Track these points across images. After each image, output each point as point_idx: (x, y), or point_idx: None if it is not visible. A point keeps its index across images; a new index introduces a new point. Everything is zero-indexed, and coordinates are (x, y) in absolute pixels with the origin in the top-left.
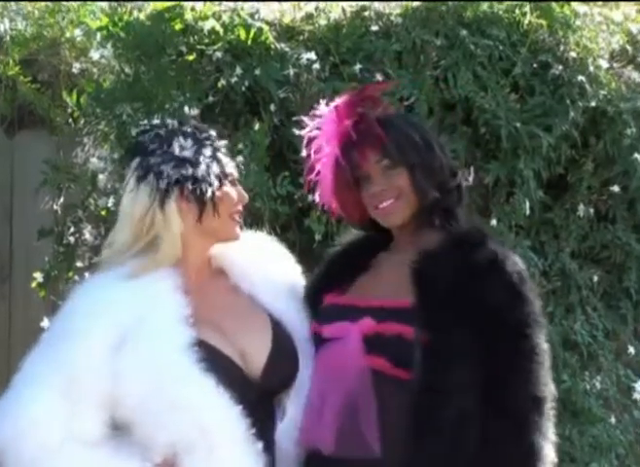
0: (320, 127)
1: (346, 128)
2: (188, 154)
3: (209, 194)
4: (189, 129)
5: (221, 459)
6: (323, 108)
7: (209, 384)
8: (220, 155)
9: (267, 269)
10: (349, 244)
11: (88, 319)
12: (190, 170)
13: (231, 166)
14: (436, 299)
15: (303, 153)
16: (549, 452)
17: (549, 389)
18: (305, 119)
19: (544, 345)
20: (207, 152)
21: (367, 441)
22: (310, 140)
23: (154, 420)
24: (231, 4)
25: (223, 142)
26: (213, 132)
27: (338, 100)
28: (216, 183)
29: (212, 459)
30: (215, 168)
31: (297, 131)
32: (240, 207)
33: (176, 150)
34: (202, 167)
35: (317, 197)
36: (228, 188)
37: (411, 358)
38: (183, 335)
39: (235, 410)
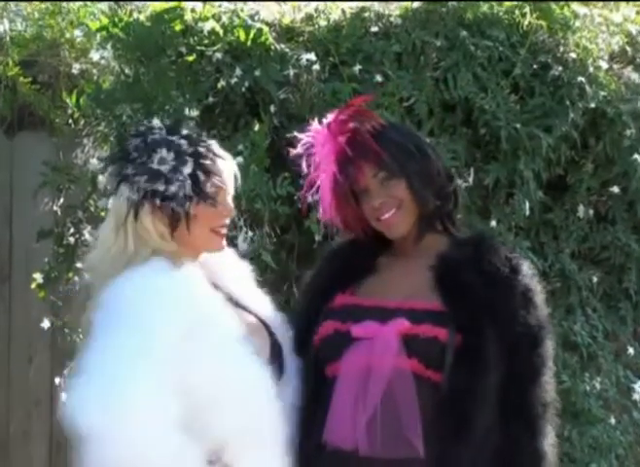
0: (314, 145)
1: (341, 145)
2: (165, 168)
3: (178, 212)
4: (177, 140)
5: (268, 455)
6: (315, 126)
7: (267, 376)
8: (200, 173)
9: (235, 268)
10: (348, 245)
11: (160, 310)
12: (162, 186)
13: (214, 183)
14: (464, 303)
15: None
16: (551, 457)
17: (552, 394)
18: (308, 124)
19: (551, 350)
20: (186, 169)
21: (410, 441)
22: (307, 157)
23: (217, 410)
24: (231, 5)
25: (212, 155)
26: (204, 145)
27: (329, 118)
28: (186, 203)
29: (260, 454)
30: (189, 188)
31: (291, 150)
32: (225, 221)
33: (155, 162)
34: (174, 186)
35: (320, 214)
36: (205, 206)
37: (443, 360)
38: (237, 325)
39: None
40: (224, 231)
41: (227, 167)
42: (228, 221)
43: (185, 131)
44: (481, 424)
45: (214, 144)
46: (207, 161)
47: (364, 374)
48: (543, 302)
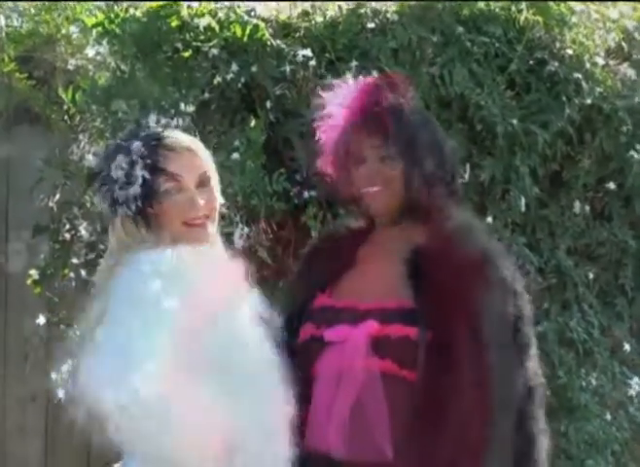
0: (339, 95)
1: (360, 107)
2: (120, 174)
3: (137, 215)
4: (131, 144)
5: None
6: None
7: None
8: (146, 172)
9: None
10: (328, 239)
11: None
12: (119, 192)
13: (166, 179)
14: (434, 298)
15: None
16: (544, 440)
17: (539, 377)
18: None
19: (533, 337)
20: (136, 171)
21: (378, 444)
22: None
23: None
24: (227, 2)
25: (164, 151)
26: (154, 143)
27: (366, 79)
28: (141, 204)
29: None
30: (138, 189)
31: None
32: (195, 213)
33: (112, 170)
34: (127, 190)
35: (318, 164)
36: (164, 203)
37: (417, 359)
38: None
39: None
40: (199, 222)
41: (186, 159)
42: (202, 212)
43: (144, 133)
44: (458, 420)
45: (170, 138)
46: (150, 160)
47: (336, 377)
48: (521, 289)
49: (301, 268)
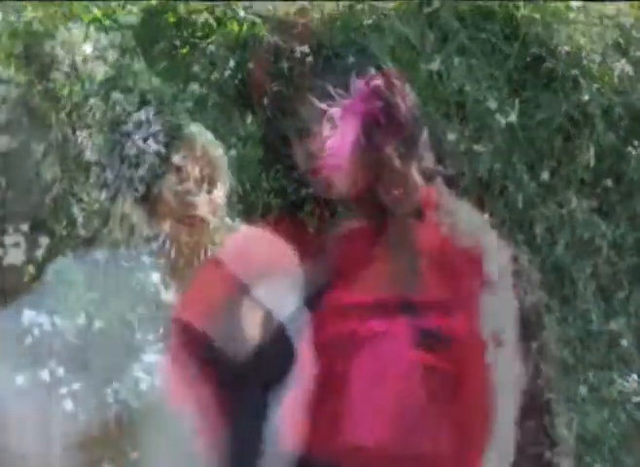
0: (340, 99)
1: (374, 109)
2: (131, 152)
3: (129, 196)
4: (149, 126)
5: None
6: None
7: None
8: (154, 159)
9: (264, 262)
10: (342, 237)
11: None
12: (124, 170)
13: (169, 169)
14: (464, 290)
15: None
16: (563, 432)
17: (545, 372)
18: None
19: (542, 329)
20: (145, 155)
21: (418, 437)
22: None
23: None
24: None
25: (179, 142)
26: (170, 132)
27: (363, 79)
28: (134, 187)
29: None
30: (140, 172)
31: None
32: (195, 209)
33: (127, 146)
34: (129, 168)
35: (323, 165)
36: (164, 193)
37: (455, 350)
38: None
39: None
40: (196, 219)
41: (196, 154)
42: (200, 209)
43: (168, 118)
44: (461, 417)
45: (188, 130)
46: (160, 147)
47: (375, 372)
48: (532, 281)
49: (317, 269)
